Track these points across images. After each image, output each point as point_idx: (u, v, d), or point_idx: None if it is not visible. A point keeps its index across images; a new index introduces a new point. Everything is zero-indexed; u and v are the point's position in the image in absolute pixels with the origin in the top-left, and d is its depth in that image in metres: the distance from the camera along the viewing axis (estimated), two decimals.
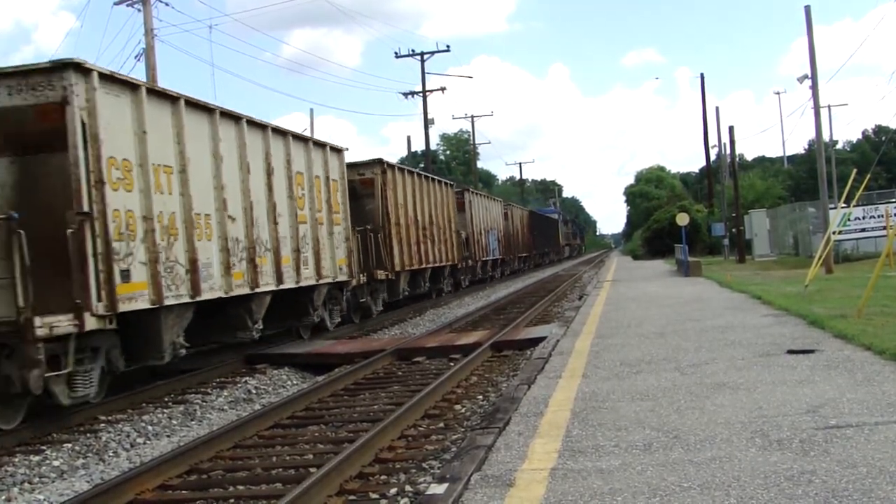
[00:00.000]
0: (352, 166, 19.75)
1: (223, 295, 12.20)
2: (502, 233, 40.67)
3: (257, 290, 13.16)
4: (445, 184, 29.05)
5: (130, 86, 10.45)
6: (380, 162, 21.23)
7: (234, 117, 13.10)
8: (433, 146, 69.41)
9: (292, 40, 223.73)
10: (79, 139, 9.38)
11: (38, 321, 8.50)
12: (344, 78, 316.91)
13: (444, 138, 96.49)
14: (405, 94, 48.31)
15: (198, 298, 11.41)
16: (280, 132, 14.77)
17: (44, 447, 8.54)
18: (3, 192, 9.37)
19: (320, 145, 16.97)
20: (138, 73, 23.55)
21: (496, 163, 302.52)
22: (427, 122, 47.17)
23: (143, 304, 10.23)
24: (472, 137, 73.57)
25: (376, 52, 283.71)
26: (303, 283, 15.09)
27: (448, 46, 47.68)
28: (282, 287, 14.11)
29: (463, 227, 31.10)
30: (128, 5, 26.65)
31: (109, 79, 9.97)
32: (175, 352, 11.14)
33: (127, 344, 10.33)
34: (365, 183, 20.57)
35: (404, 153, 62.62)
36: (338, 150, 17.86)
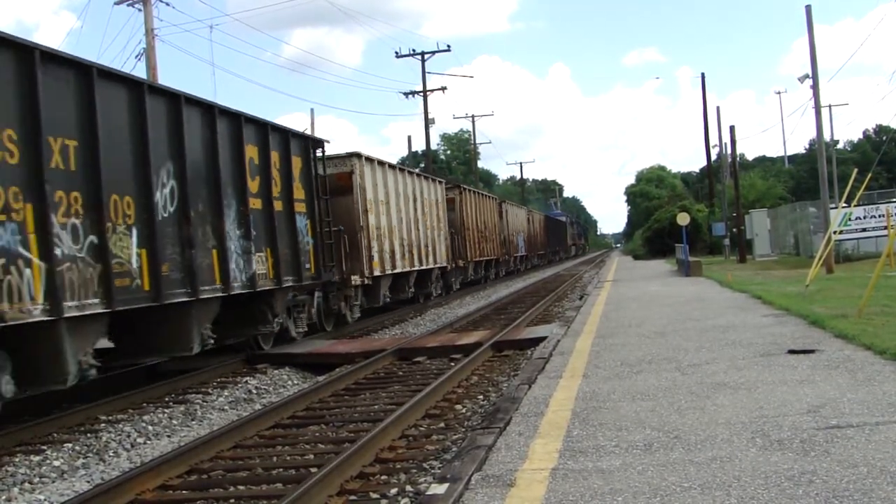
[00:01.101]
0: None
1: (401, 270, 21.89)
2: (526, 234, 49.14)
3: (412, 268, 23.13)
4: (491, 197, 39.44)
5: (370, 160, 20.03)
6: (458, 186, 32.44)
7: (401, 169, 23.33)
8: (434, 146, 69.61)
9: (293, 40, 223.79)
10: (357, 190, 19.01)
11: (353, 278, 18.28)
12: (345, 77, 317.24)
13: (445, 138, 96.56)
14: (406, 94, 48.33)
15: (394, 271, 21.16)
16: (417, 175, 25.19)
17: (44, 447, 8.53)
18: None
19: (433, 179, 27.33)
20: (139, 73, 23.55)
21: (497, 162, 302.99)
22: (428, 122, 47.18)
23: (377, 272, 19.71)
24: (472, 137, 73.61)
25: (377, 52, 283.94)
26: (429, 266, 25.09)
27: (448, 46, 47.69)
28: (420, 268, 23.94)
29: (502, 231, 39.34)
30: (128, 5, 26.66)
31: (367, 158, 19.72)
32: (385, 300, 20.90)
33: (365, 294, 19.56)
34: (450, 201, 29.53)
35: (405, 153, 62.73)
36: (441, 182, 28.58)
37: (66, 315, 8.49)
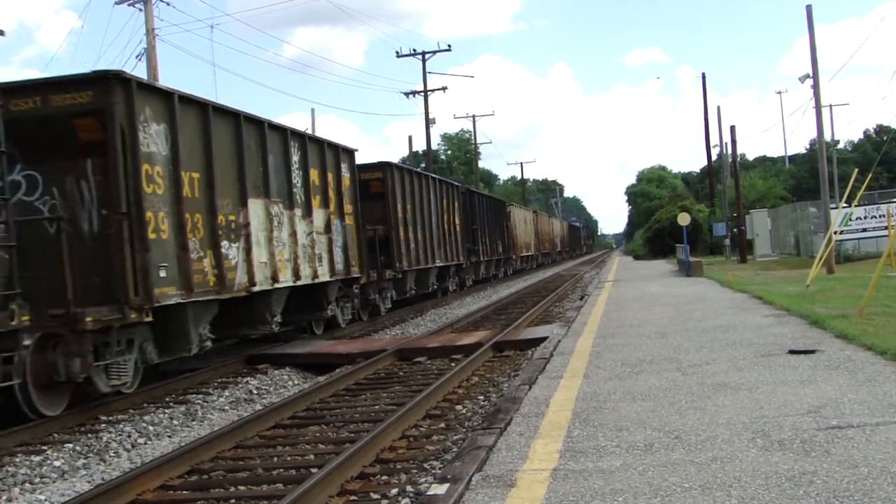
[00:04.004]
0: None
1: (525, 255, 48.49)
2: (560, 236, 75.57)
3: (527, 254, 49.65)
4: (546, 214, 70.34)
5: (514, 204, 47.92)
6: (535, 210, 58.52)
7: (517, 205, 50.16)
8: (434, 146, 69.55)
9: (294, 40, 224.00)
10: (513, 217, 43.95)
11: (512, 256, 43.47)
12: (346, 77, 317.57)
13: (446, 138, 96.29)
14: (406, 94, 48.32)
15: (522, 255, 46.94)
16: (521, 206, 54.64)
17: (45, 447, 8.54)
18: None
19: (527, 207, 57.90)
20: (139, 73, 23.57)
21: (497, 162, 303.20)
22: (428, 122, 47.14)
23: (520, 254, 46.40)
24: (473, 137, 73.59)
25: (378, 52, 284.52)
26: (531, 254, 51.51)
27: (449, 46, 47.70)
28: (529, 254, 50.47)
29: (548, 234, 63.45)
30: (129, 5, 26.65)
31: (514, 204, 48.83)
32: (519, 267, 46.22)
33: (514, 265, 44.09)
34: (528, 219, 51.72)
35: (406, 152, 62.93)
36: (530, 208, 59.83)
37: None
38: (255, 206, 13.38)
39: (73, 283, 9.43)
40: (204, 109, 12.12)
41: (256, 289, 12.99)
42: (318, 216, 16.04)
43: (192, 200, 11.48)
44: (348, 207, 17.70)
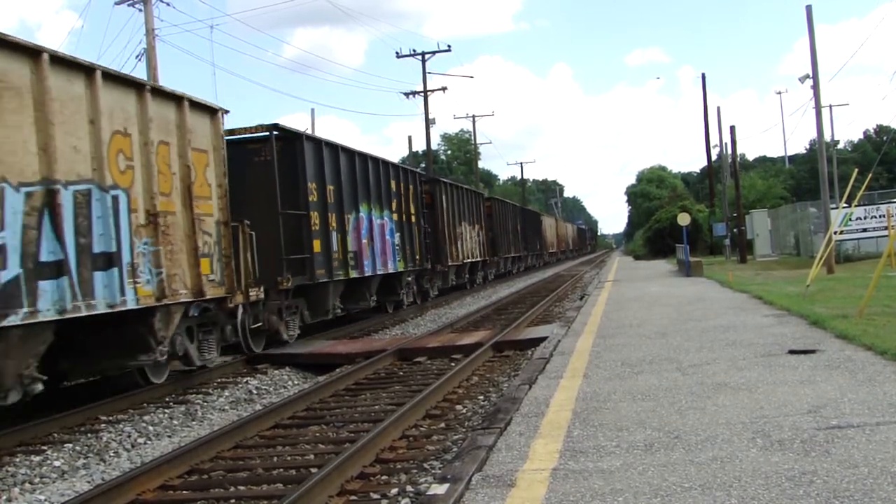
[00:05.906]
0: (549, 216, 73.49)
1: (551, 251, 63.84)
2: (571, 238, 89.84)
3: (555, 250, 66.69)
4: (564, 219, 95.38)
5: (547, 214, 71.81)
6: (555, 217, 79.34)
7: (550, 216, 72.41)
8: (434, 146, 69.74)
9: (294, 40, 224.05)
10: (544, 224, 61.08)
11: (544, 252, 60.44)
12: (346, 77, 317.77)
13: (446, 138, 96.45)
14: (406, 94, 48.31)
15: (548, 251, 61.75)
16: (549, 215, 73.74)
17: (45, 447, 8.54)
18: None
19: (552, 215, 77.82)
20: (139, 73, 23.57)
21: (497, 162, 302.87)
22: (428, 122, 47.12)
23: (549, 251, 62.62)
24: (473, 137, 73.64)
25: (378, 52, 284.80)
26: (554, 251, 66.78)
27: (449, 46, 47.64)
28: (554, 251, 66.15)
29: (564, 235, 76.40)
30: (129, 5, 26.62)
31: (547, 214, 73.78)
32: (549, 259, 64.20)
33: (545, 257, 61.64)
34: (554, 225, 69.75)
35: (406, 152, 63.09)
36: (553, 215, 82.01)
37: None
38: (463, 225, 29.35)
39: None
40: (452, 186, 28.81)
41: (466, 261, 29.55)
42: (476, 228, 32.07)
43: (451, 224, 27.27)
44: (484, 224, 34.15)
